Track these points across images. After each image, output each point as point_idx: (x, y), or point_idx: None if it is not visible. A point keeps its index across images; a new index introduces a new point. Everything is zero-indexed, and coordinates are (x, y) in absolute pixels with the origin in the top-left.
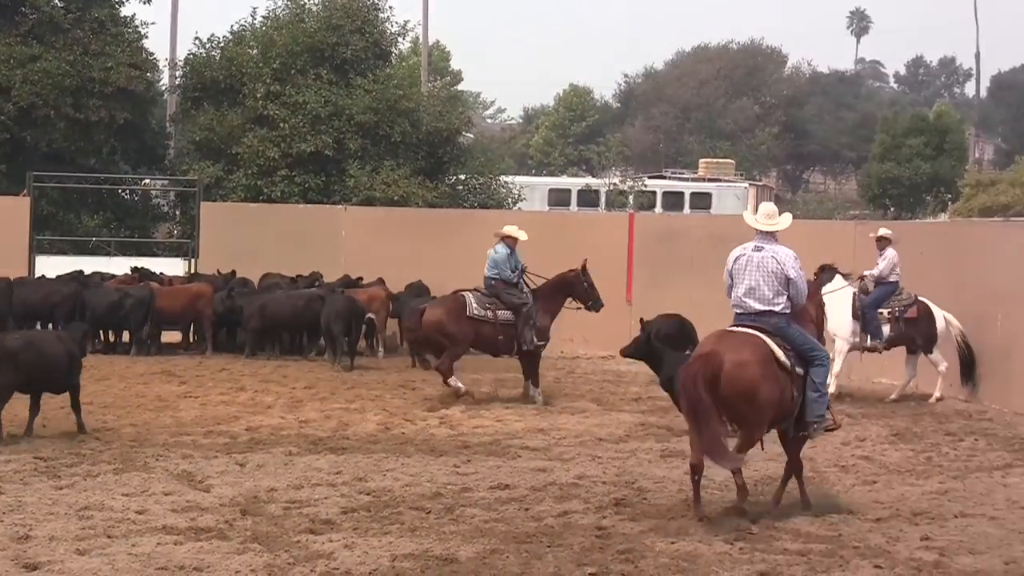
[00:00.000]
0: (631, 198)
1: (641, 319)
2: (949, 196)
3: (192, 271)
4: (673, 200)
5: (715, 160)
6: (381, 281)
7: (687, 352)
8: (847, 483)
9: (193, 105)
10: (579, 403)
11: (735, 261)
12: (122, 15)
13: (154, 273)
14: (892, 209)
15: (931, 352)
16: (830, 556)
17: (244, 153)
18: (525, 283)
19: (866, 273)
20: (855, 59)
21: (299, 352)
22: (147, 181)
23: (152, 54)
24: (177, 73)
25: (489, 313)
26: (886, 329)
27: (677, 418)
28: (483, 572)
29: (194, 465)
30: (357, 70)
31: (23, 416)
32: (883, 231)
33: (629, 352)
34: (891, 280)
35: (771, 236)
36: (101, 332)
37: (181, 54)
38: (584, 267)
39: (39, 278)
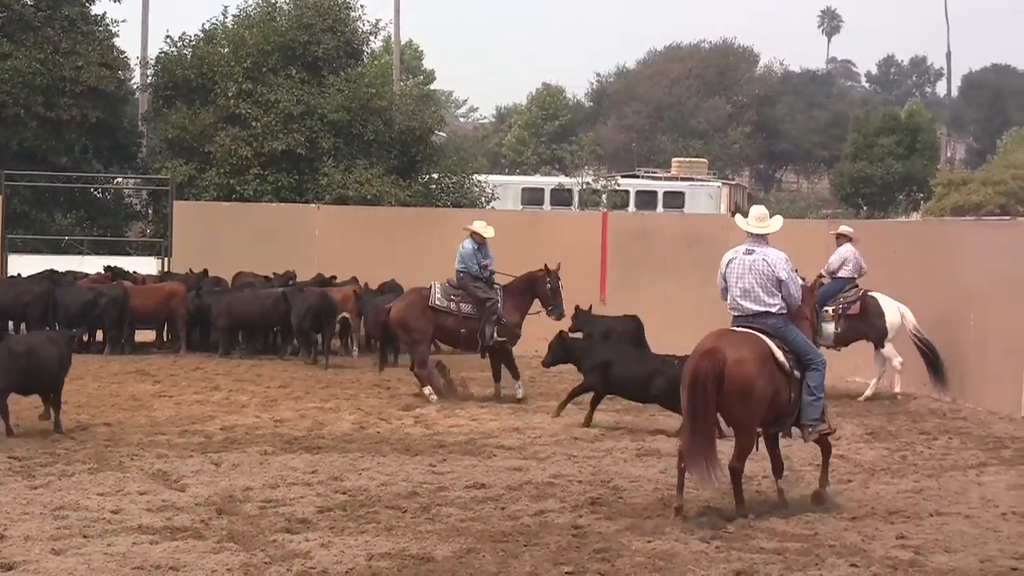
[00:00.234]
0: (604, 197)
1: (561, 331)
2: (921, 195)
3: (165, 270)
4: (646, 199)
5: (688, 159)
6: (355, 280)
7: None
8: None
9: (165, 104)
10: (554, 402)
11: (728, 264)
12: (93, 13)
13: (127, 272)
14: (864, 208)
15: (882, 347)
16: (806, 555)
17: (216, 152)
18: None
19: (822, 271)
20: (826, 58)
21: (274, 351)
22: (119, 180)
23: (123, 52)
24: (148, 72)
25: (452, 305)
26: (829, 327)
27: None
28: (460, 571)
29: (169, 464)
30: (329, 69)
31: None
32: (843, 228)
33: (549, 362)
34: (840, 276)
35: (762, 239)
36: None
37: (152, 52)
38: (554, 269)
39: (11, 277)
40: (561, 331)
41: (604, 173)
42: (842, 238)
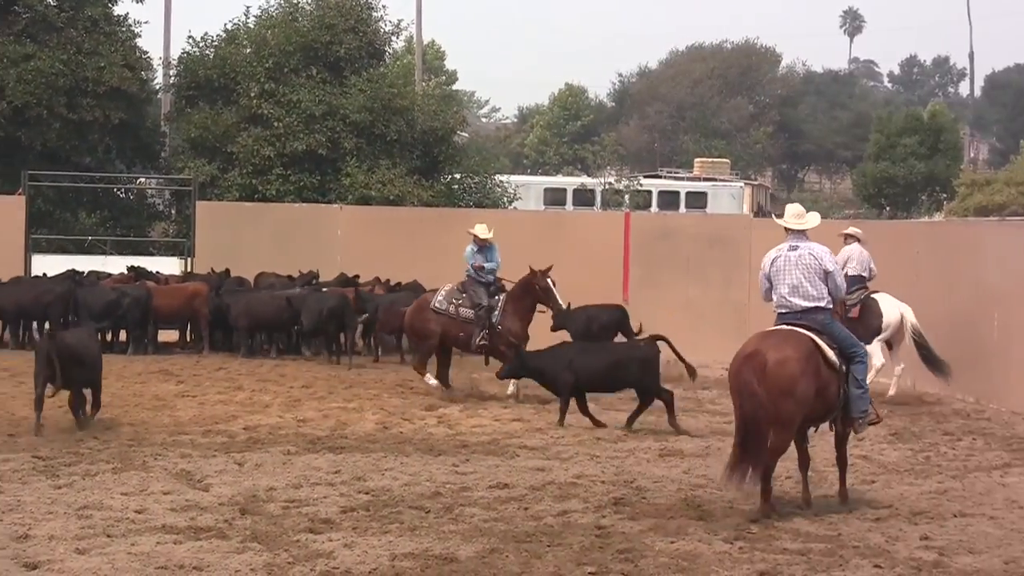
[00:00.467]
0: (627, 197)
1: (517, 346)
2: (944, 195)
3: (188, 270)
4: (668, 199)
5: (710, 159)
6: (378, 280)
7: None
8: (847, 482)
9: (187, 104)
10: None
11: (772, 263)
12: (115, 14)
13: (150, 272)
14: (887, 209)
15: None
16: (830, 555)
17: (239, 152)
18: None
19: None
20: (849, 59)
21: (297, 351)
22: (142, 180)
23: (146, 53)
24: (171, 72)
25: (452, 308)
26: None
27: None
28: (483, 571)
29: (193, 464)
30: (351, 69)
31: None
32: (850, 229)
33: (503, 375)
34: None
35: (802, 234)
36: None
37: (175, 53)
38: (542, 270)
39: (35, 277)
40: (517, 345)
41: (626, 173)
42: (850, 239)
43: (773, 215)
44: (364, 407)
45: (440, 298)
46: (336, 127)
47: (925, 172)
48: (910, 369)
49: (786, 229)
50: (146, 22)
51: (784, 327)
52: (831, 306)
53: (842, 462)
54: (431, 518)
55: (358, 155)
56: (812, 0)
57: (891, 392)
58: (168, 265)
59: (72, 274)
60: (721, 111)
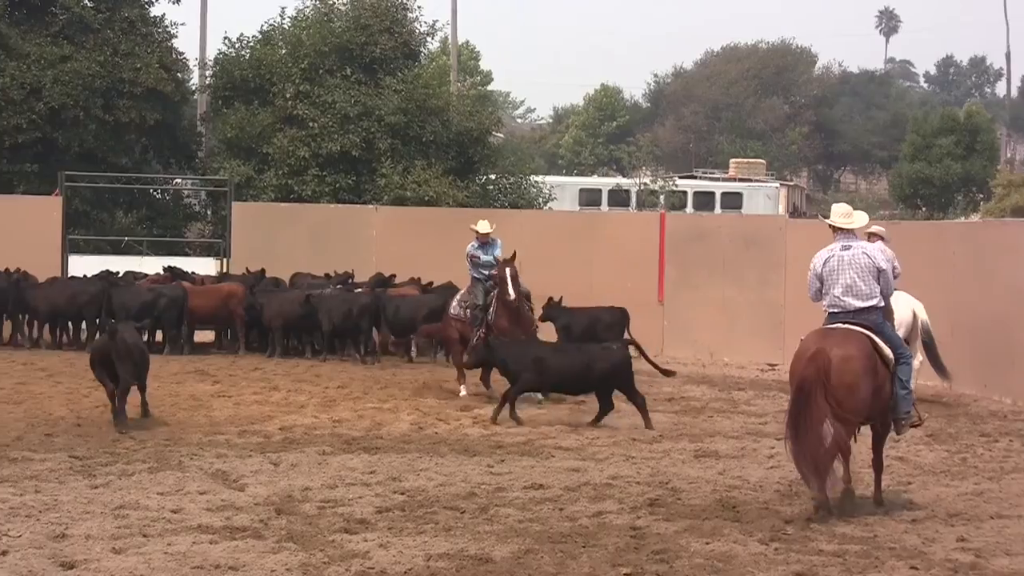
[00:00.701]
0: (662, 198)
1: (484, 334)
2: (981, 196)
3: (224, 271)
4: (704, 200)
5: (745, 160)
6: (413, 280)
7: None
8: (882, 484)
9: (223, 104)
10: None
11: (825, 263)
12: (152, 15)
13: (186, 272)
14: (923, 209)
15: None
16: (866, 557)
17: (275, 153)
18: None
19: None
20: (885, 59)
21: (332, 352)
22: (178, 181)
23: (182, 54)
24: (207, 73)
25: (463, 312)
26: None
27: (709, 419)
28: (518, 572)
29: (228, 464)
30: (386, 70)
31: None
32: (874, 228)
33: (471, 363)
34: None
35: (852, 234)
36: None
37: (211, 54)
38: (506, 260)
39: (72, 277)
40: (485, 334)
41: (662, 174)
42: (874, 237)
43: (820, 215)
44: (399, 407)
45: (454, 303)
46: (371, 128)
47: (961, 173)
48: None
49: (834, 229)
50: (182, 23)
51: (841, 326)
52: (883, 305)
53: (878, 463)
54: (466, 518)
55: (393, 156)
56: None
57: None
58: (204, 265)
59: (106, 275)
60: (757, 112)
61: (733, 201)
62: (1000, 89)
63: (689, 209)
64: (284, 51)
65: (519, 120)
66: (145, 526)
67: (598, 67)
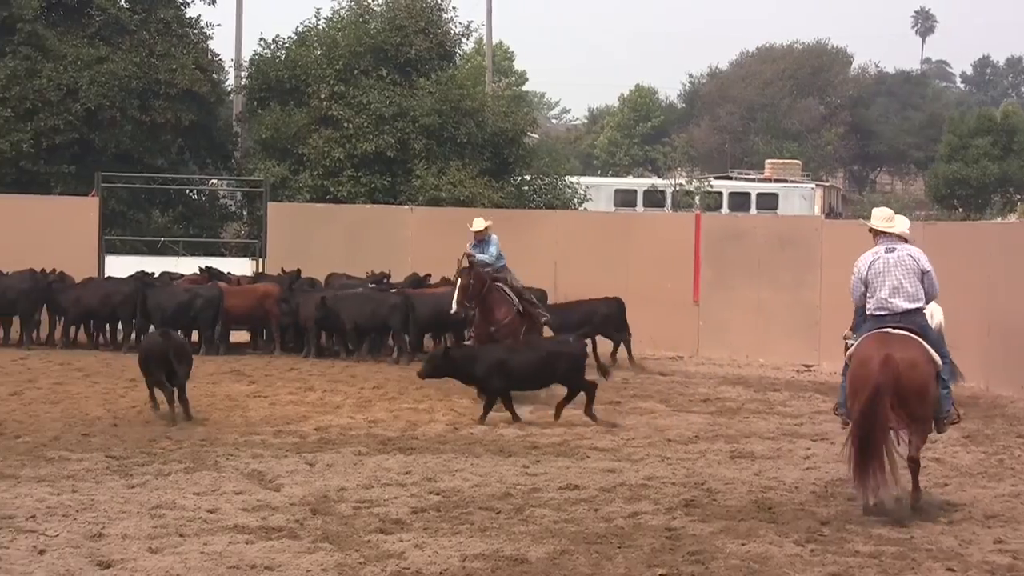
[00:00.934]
0: (697, 198)
1: (445, 346)
2: (1018, 197)
3: (259, 271)
4: (739, 201)
5: (781, 160)
6: (448, 281)
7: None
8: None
9: (259, 105)
10: (648, 403)
11: (870, 266)
12: (187, 16)
13: (223, 273)
14: (960, 210)
15: None
16: (902, 559)
17: (310, 153)
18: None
19: None
20: (921, 59)
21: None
22: (214, 181)
23: (217, 55)
24: (243, 74)
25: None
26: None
27: (745, 419)
28: (553, 572)
29: (264, 464)
30: (421, 71)
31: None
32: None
33: (425, 374)
34: None
35: (893, 237)
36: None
37: (246, 55)
38: (458, 259)
39: (108, 278)
40: (446, 347)
41: (697, 174)
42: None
43: (860, 219)
44: (434, 408)
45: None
46: (406, 129)
47: (998, 173)
48: (983, 370)
49: (875, 232)
50: (218, 24)
51: (893, 331)
52: (925, 307)
53: (915, 464)
54: (501, 519)
55: (428, 156)
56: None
57: None
58: (240, 266)
59: (141, 275)
60: (792, 112)
61: (769, 202)
62: None
63: (725, 210)
64: (319, 52)
65: (554, 121)
66: (181, 526)
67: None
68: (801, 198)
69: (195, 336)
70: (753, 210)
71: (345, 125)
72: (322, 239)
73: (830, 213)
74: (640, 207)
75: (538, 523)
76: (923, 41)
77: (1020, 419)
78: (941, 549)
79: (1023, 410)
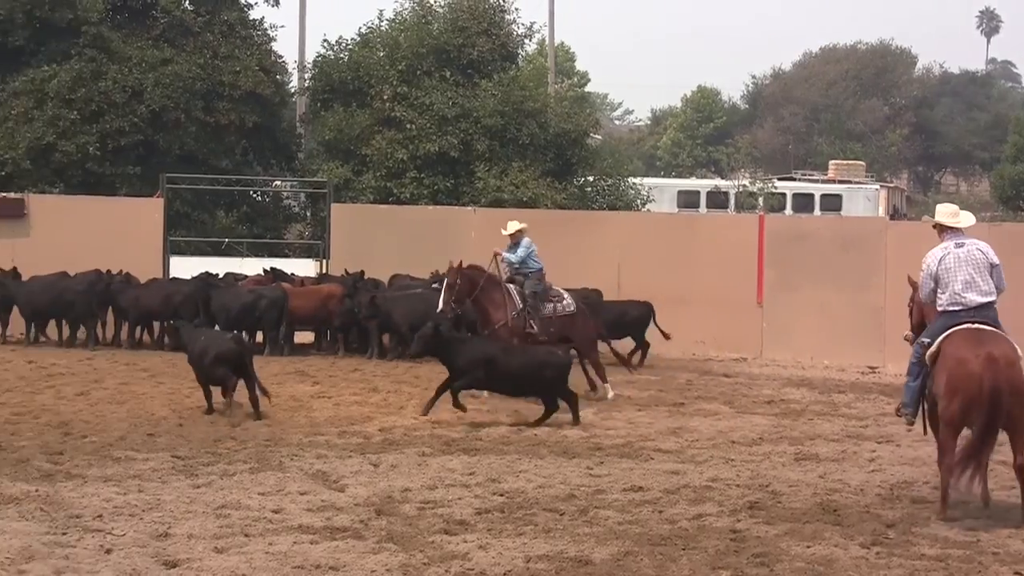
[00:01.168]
0: (761, 200)
1: (436, 325)
2: None
3: (323, 272)
4: (803, 202)
5: (845, 161)
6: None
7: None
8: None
9: (322, 107)
10: (711, 405)
11: (940, 261)
12: (251, 18)
13: (287, 274)
14: None
15: None
16: (968, 562)
17: (373, 155)
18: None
19: None
20: (986, 59)
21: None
22: (278, 183)
23: (281, 57)
24: (306, 75)
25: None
26: None
27: (809, 421)
28: (617, 574)
29: (328, 465)
30: (483, 72)
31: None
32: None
33: (415, 351)
34: None
35: (960, 232)
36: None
37: (309, 56)
38: (456, 267)
39: (173, 279)
40: (436, 325)
41: (760, 176)
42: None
43: (924, 217)
44: (498, 409)
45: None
46: (469, 130)
47: None
48: None
49: (941, 228)
50: (281, 26)
51: (980, 327)
52: (996, 301)
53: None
54: (565, 520)
55: (491, 158)
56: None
57: None
58: (303, 267)
59: (205, 276)
60: (856, 113)
61: (832, 203)
62: None
63: (788, 211)
64: (382, 53)
65: (617, 122)
66: (246, 526)
67: (696, 69)
68: (865, 199)
69: (259, 337)
70: (817, 211)
71: (408, 126)
72: (385, 240)
73: (894, 214)
74: (703, 208)
75: (602, 524)
76: (988, 41)
77: None
78: (1008, 552)
79: None
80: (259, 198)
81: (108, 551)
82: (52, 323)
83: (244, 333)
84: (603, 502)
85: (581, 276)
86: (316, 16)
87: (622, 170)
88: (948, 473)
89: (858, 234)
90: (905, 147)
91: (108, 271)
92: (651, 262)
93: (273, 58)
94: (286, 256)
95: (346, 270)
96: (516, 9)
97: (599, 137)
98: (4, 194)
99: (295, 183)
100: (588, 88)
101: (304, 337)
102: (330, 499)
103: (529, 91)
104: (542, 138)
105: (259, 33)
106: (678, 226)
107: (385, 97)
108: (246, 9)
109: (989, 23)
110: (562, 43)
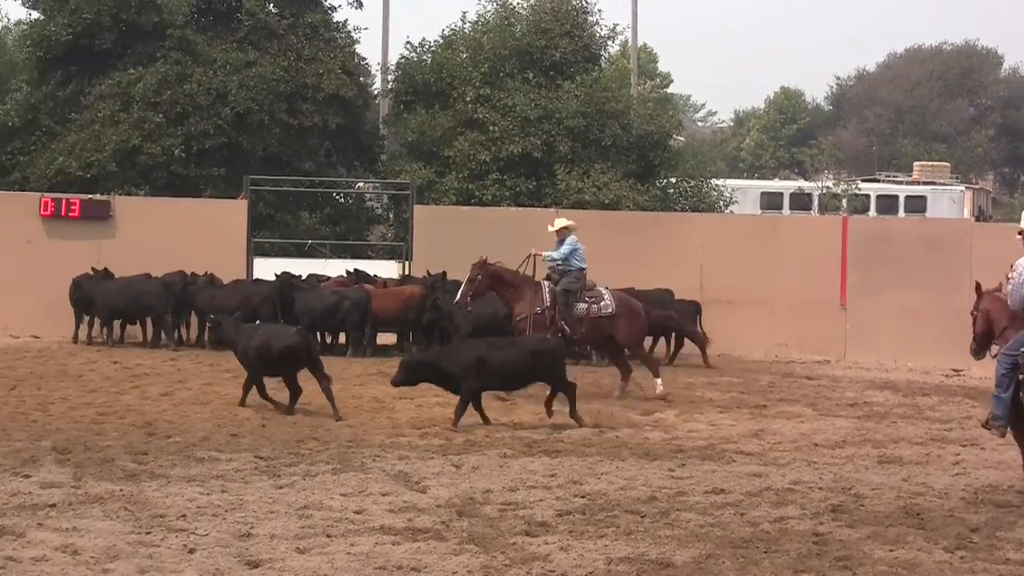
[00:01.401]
0: (844, 201)
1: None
2: None
3: (406, 273)
4: (887, 203)
5: (929, 163)
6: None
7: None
8: None
9: (405, 108)
10: (794, 408)
11: None
12: (335, 21)
13: (369, 275)
14: None
15: None
16: None
17: (455, 156)
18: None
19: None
20: None
21: None
22: (361, 184)
23: (364, 59)
24: (389, 77)
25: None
26: None
27: (893, 424)
28: None
29: (410, 466)
30: (566, 73)
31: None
32: None
33: (399, 380)
34: None
35: None
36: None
37: (393, 58)
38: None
39: (254, 280)
40: (416, 350)
41: (844, 177)
42: None
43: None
44: (579, 410)
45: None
46: (551, 131)
47: None
48: None
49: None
50: (365, 28)
51: None
52: None
53: None
54: (647, 523)
55: (573, 159)
56: None
57: None
58: (386, 268)
59: (287, 277)
60: (941, 114)
61: (917, 204)
62: None
63: (872, 212)
64: (465, 55)
65: (700, 123)
66: (328, 526)
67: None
68: (950, 201)
69: (343, 338)
70: (901, 213)
71: (490, 128)
72: (468, 242)
73: (980, 216)
74: (787, 210)
75: (684, 527)
76: None
77: None
78: None
79: None
80: (342, 200)
81: (191, 551)
82: (137, 324)
83: (327, 334)
84: (685, 504)
85: (663, 278)
86: (399, 18)
87: (705, 172)
88: None
89: (943, 236)
90: (991, 148)
91: (192, 273)
92: (734, 264)
93: (356, 60)
94: (369, 258)
95: (428, 271)
96: (599, 10)
97: (682, 139)
98: (90, 196)
99: (378, 185)
100: (671, 89)
101: (387, 338)
102: (412, 500)
103: (612, 92)
104: (624, 140)
105: (343, 35)
106: (761, 228)
107: (468, 99)
108: (330, 12)
109: None
110: (645, 44)
